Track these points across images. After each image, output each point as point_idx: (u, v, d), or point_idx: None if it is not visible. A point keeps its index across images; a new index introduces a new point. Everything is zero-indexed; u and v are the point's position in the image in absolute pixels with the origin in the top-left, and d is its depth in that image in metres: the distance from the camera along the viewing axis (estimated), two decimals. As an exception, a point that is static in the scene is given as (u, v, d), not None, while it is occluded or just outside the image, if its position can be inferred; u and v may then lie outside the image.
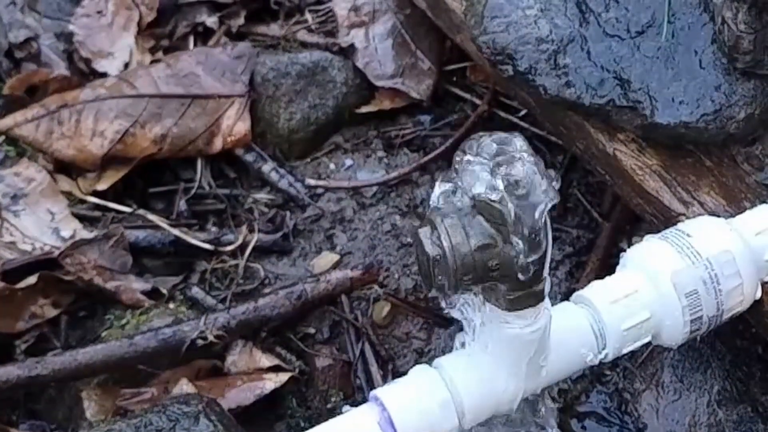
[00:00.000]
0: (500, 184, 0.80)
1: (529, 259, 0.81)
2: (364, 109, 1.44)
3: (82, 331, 1.24)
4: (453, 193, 0.83)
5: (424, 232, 0.83)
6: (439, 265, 0.82)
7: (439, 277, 0.83)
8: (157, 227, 1.32)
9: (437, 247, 0.82)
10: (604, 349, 0.94)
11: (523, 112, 1.37)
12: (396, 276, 1.26)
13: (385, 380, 1.19)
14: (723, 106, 1.08)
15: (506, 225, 0.80)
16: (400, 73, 1.45)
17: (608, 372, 1.17)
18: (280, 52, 1.47)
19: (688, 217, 1.07)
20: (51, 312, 1.23)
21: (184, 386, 1.14)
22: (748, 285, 0.98)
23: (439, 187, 0.83)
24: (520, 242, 0.80)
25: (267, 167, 1.38)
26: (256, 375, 1.17)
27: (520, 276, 0.82)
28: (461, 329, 0.93)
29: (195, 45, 1.52)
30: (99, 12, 1.53)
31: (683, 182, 1.11)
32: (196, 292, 1.26)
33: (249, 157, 1.40)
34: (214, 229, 1.34)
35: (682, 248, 0.97)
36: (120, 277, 1.25)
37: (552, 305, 0.92)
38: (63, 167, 1.37)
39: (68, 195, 1.34)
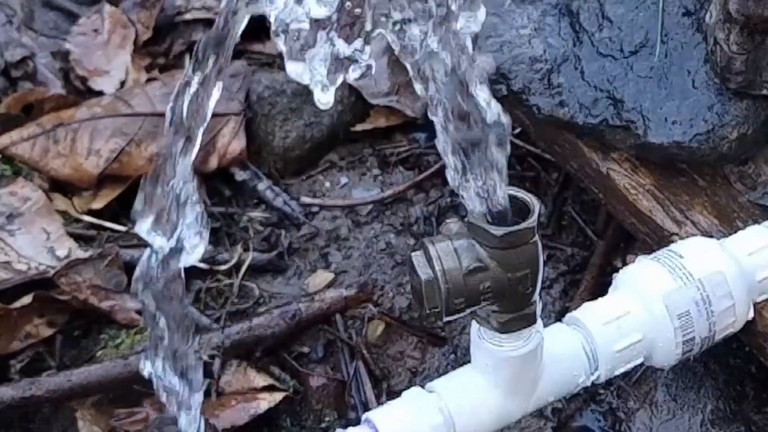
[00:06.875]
0: None
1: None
2: (359, 127, 1.44)
3: (77, 351, 1.24)
4: None
5: (417, 256, 0.84)
6: (432, 289, 0.83)
7: (432, 301, 0.83)
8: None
9: (430, 270, 0.83)
10: (596, 370, 0.95)
11: (517, 130, 1.37)
12: (390, 295, 1.27)
13: (378, 399, 1.19)
14: (716, 126, 1.08)
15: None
16: (395, 91, 1.45)
17: (602, 391, 1.17)
18: (276, 70, 1.47)
19: (681, 237, 1.07)
20: (46, 331, 1.23)
21: (179, 406, 1.14)
22: (740, 306, 0.98)
23: None
24: None
25: (262, 185, 1.38)
26: (251, 394, 1.17)
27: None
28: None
29: (191, 63, 1.52)
30: (95, 30, 1.53)
31: (676, 202, 1.11)
32: (191, 311, 1.26)
33: (244, 176, 1.40)
34: (209, 247, 1.33)
35: (675, 269, 0.97)
36: (115, 297, 1.25)
37: (545, 325, 0.93)
38: (58, 186, 1.37)
39: (64, 214, 1.34)
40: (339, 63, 0.80)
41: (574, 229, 1.32)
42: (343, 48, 0.78)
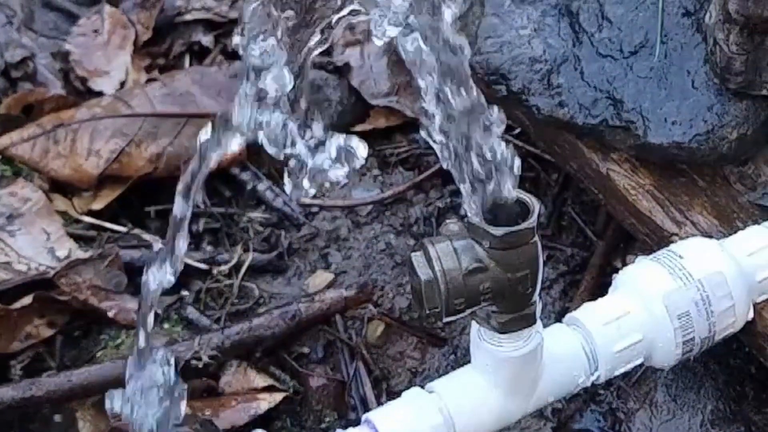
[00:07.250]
0: None
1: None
2: (359, 128, 1.44)
3: (77, 351, 1.24)
4: None
5: (417, 257, 0.84)
6: (432, 289, 0.83)
7: (432, 301, 0.83)
8: (152, 247, 1.32)
9: (429, 271, 0.83)
10: (596, 370, 0.95)
11: (517, 131, 1.37)
12: (390, 295, 1.27)
13: (378, 399, 1.19)
14: (715, 126, 1.08)
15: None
16: (395, 92, 1.45)
17: (602, 391, 1.17)
18: (276, 70, 1.47)
19: (680, 237, 1.07)
20: (46, 332, 1.23)
21: (179, 406, 1.14)
22: (739, 306, 0.98)
23: None
24: None
25: (262, 186, 1.39)
26: (251, 395, 1.17)
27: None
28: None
29: (191, 64, 1.53)
30: (95, 31, 1.53)
31: (676, 202, 1.11)
32: (191, 312, 1.26)
33: (244, 176, 1.40)
34: (209, 248, 1.34)
35: (674, 270, 0.97)
36: (115, 297, 1.25)
37: (545, 326, 0.93)
38: (59, 187, 1.37)
39: (64, 214, 1.34)
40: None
41: (574, 230, 1.32)
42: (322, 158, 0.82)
